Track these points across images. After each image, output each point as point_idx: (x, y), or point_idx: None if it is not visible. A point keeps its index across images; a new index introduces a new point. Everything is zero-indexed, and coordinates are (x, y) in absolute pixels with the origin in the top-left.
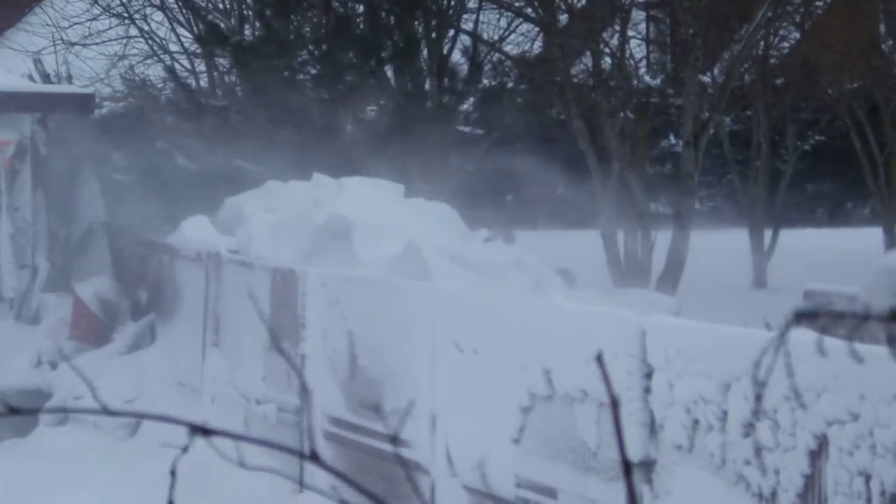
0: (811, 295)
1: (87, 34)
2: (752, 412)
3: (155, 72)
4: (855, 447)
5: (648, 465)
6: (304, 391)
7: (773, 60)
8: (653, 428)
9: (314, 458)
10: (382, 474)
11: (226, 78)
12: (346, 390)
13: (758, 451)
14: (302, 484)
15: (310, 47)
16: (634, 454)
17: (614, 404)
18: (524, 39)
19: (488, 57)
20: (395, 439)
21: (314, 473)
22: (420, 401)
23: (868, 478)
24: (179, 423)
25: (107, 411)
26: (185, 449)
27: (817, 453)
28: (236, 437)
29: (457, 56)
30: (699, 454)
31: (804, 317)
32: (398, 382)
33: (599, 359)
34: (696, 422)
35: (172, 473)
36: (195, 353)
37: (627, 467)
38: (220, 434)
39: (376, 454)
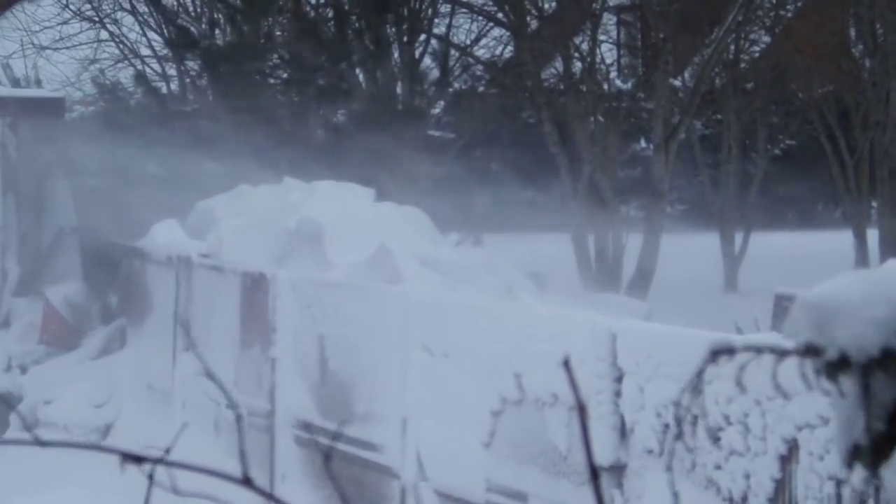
0: (781, 298)
1: (57, 38)
2: (675, 437)
3: (126, 76)
4: (825, 451)
5: (619, 469)
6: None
7: (743, 64)
8: (623, 432)
9: (247, 482)
10: (353, 479)
11: (196, 82)
12: (317, 394)
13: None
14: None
15: (280, 51)
16: (605, 458)
17: (582, 410)
18: (495, 44)
19: (459, 61)
20: (365, 444)
21: (284, 489)
22: (391, 405)
23: (839, 482)
24: (111, 451)
25: (39, 442)
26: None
27: (788, 458)
28: (168, 463)
29: (427, 60)
30: (669, 458)
31: (721, 353)
32: (369, 386)
33: (567, 364)
34: (667, 426)
35: (150, 478)
36: (166, 357)
37: (595, 473)
38: (151, 461)
39: (347, 458)
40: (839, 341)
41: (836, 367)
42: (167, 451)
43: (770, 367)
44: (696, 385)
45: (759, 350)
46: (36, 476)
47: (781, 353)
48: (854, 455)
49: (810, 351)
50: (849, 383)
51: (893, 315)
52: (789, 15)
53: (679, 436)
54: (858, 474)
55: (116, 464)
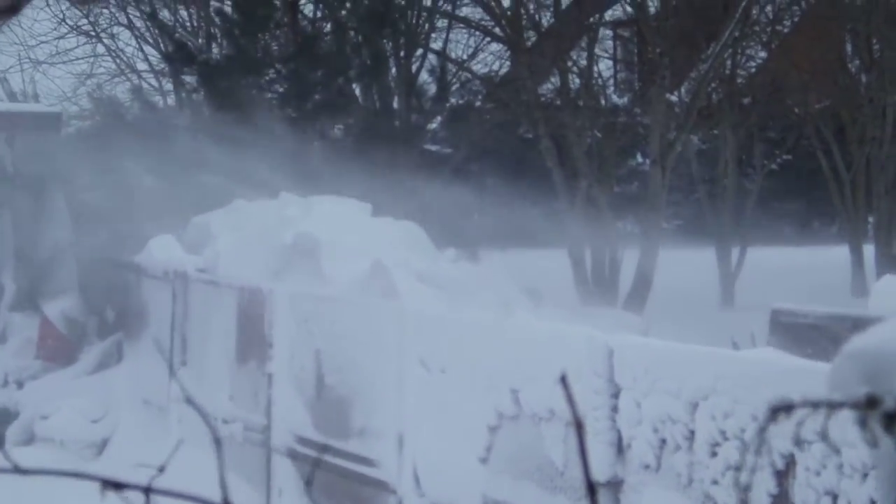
0: (778, 313)
1: (54, 52)
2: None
3: (122, 90)
4: (822, 467)
5: (616, 484)
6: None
7: (740, 80)
8: (620, 447)
9: None
10: (349, 494)
11: (193, 96)
12: (313, 409)
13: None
14: None
15: (277, 66)
16: (602, 474)
17: (579, 426)
18: (492, 58)
19: (456, 76)
20: (362, 459)
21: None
22: (387, 420)
23: (835, 497)
24: (91, 478)
25: (18, 470)
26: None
27: (784, 473)
28: (149, 490)
29: (425, 75)
30: (666, 473)
31: (781, 410)
32: (366, 401)
33: (564, 380)
34: (664, 441)
35: (147, 491)
36: (162, 372)
37: (592, 489)
38: (132, 488)
39: (343, 474)
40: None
41: (893, 417)
42: (161, 469)
43: (822, 423)
44: (760, 446)
45: (816, 405)
46: (14, 500)
47: (837, 406)
48: None
49: (870, 403)
50: None
51: None
52: (786, 31)
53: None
54: None
55: (93, 486)
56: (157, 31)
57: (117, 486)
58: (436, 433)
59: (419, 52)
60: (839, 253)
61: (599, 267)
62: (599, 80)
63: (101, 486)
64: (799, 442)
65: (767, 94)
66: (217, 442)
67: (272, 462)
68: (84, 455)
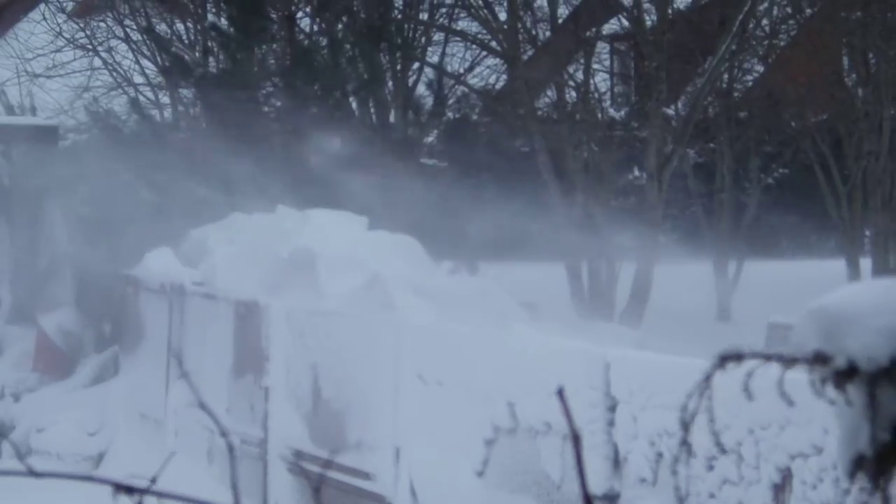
0: (775, 327)
1: (51, 66)
2: (679, 450)
3: (119, 103)
4: (819, 480)
5: (612, 498)
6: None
7: (736, 94)
8: (616, 461)
9: None
10: None
11: (190, 110)
12: (310, 423)
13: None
14: None
15: (274, 79)
16: (598, 487)
17: (576, 439)
18: (489, 72)
19: (453, 89)
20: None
21: None
22: (384, 433)
23: None
24: (104, 481)
25: (32, 472)
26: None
27: (781, 487)
28: (160, 494)
29: (421, 88)
30: (663, 487)
31: (729, 359)
32: (362, 415)
33: (560, 393)
34: (660, 454)
35: (158, 495)
36: (159, 384)
37: (589, 502)
38: (144, 492)
39: (340, 487)
40: (848, 350)
41: (844, 376)
42: (153, 479)
43: (776, 376)
44: (704, 390)
45: (767, 357)
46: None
47: (789, 361)
48: (858, 466)
49: (819, 359)
50: (855, 393)
51: None
52: (782, 44)
53: (683, 443)
54: (861, 485)
55: (108, 496)
56: (153, 45)
57: (129, 489)
58: (432, 446)
59: (416, 65)
60: (836, 267)
61: (596, 280)
62: (596, 94)
63: (113, 489)
64: (747, 390)
65: (764, 108)
66: (230, 447)
67: (268, 475)
68: (80, 468)
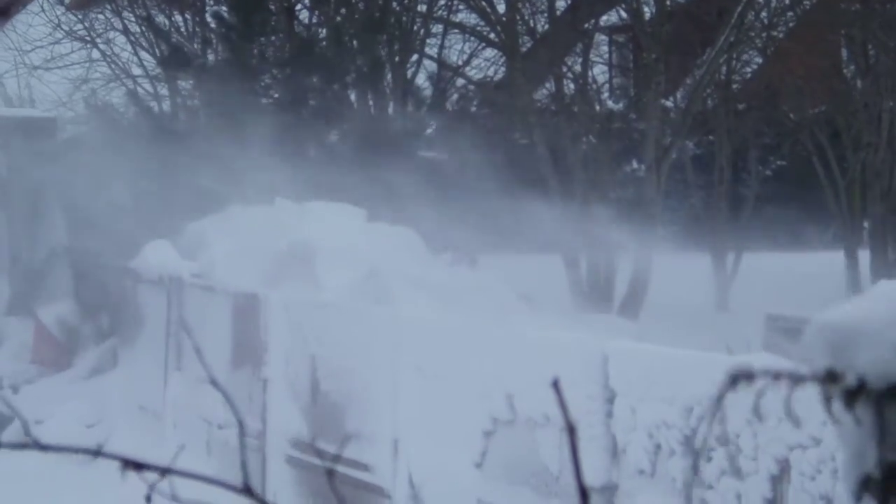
0: (773, 319)
1: (49, 58)
2: (689, 475)
3: (118, 95)
4: (817, 472)
5: (610, 489)
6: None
7: (735, 85)
8: (615, 452)
9: (247, 491)
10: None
11: (188, 101)
12: (309, 415)
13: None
14: None
15: (273, 71)
16: (596, 479)
17: (571, 430)
18: (488, 64)
19: (452, 81)
20: (357, 464)
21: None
22: (382, 425)
23: (830, 502)
24: (111, 457)
25: (38, 445)
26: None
27: (779, 478)
28: (168, 471)
29: (420, 80)
30: (661, 479)
31: (740, 379)
32: (361, 407)
33: (556, 385)
34: (659, 446)
35: (148, 500)
36: (157, 377)
37: (584, 494)
38: (151, 468)
39: (338, 479)
40: (858, 366)
41: (855, 394)
42: (164, 470)
43: (784, 394)
44: (716, 412)
45: (777, 375)
46: (29, 494)
47: (799, 379)
48: (864, 488)
49: (830, 377)
50: (863, 411)
51: None
52: (781, 36)
53: (695, 467)
54: None
55: (110, 480)
56: (152, 36)
57: (137, 465)
58: (431, 438)
59: (415, 57)
60: (834, 259)
61: (594, 273)
62: (594, 86)
63: (121, 465)
64: (758, 412)
65: (763, 100)
66: (240, 424)
67: (267, 466)
68: (80, 459)
